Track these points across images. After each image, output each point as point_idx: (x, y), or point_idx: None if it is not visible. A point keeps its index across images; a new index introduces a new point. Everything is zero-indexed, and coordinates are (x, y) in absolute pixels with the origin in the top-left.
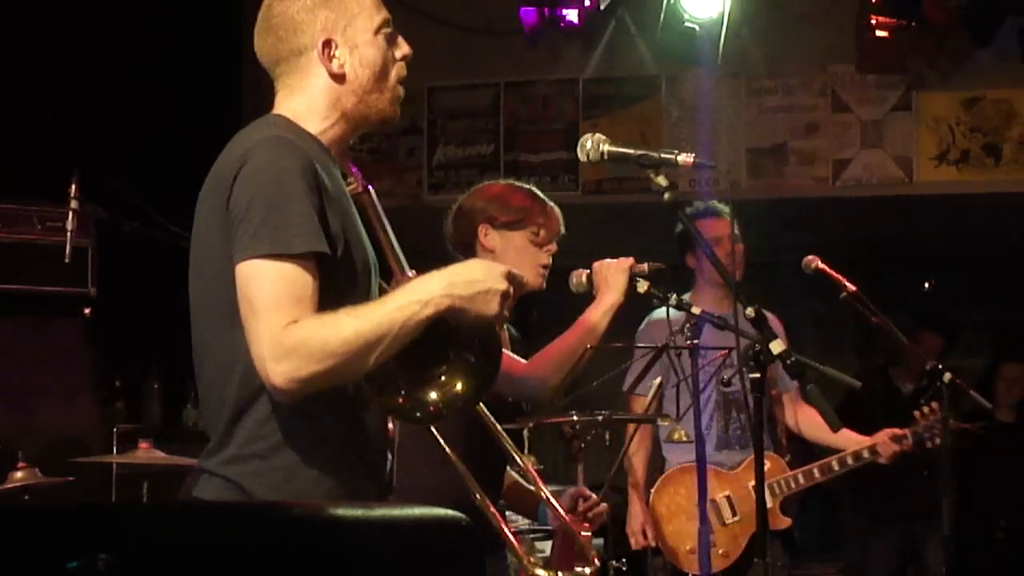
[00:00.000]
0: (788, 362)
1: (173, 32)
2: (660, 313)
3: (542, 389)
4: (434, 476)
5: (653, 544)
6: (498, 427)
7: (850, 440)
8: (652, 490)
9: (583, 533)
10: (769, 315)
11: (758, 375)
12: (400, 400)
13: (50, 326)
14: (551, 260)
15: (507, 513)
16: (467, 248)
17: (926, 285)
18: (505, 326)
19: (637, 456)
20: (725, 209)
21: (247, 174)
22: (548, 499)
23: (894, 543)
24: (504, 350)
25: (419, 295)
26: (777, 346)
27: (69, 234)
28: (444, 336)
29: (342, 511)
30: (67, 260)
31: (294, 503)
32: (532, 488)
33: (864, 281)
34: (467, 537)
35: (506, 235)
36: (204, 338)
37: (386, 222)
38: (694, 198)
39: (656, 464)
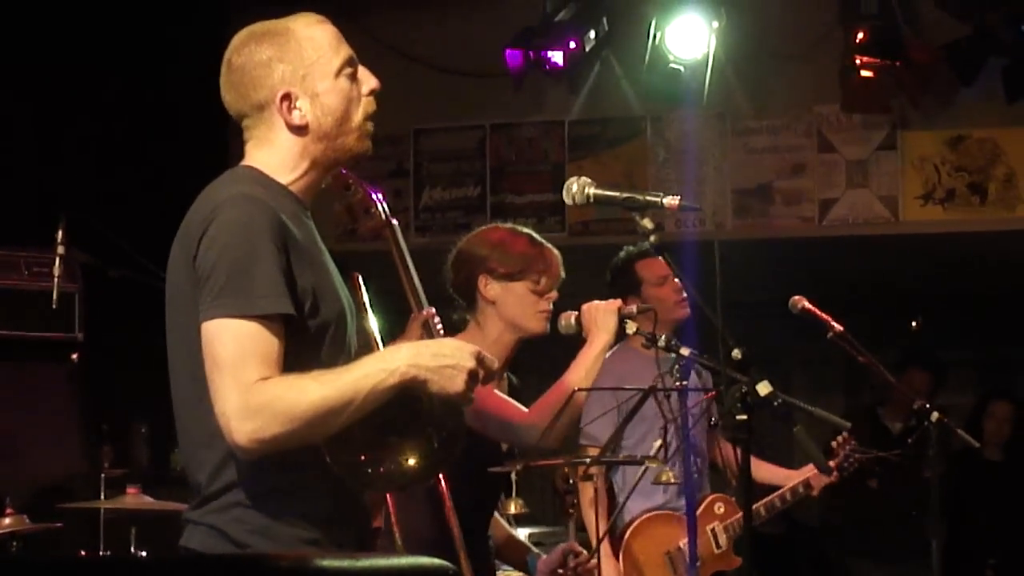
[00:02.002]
0: (776, 403)
1: (158, 77)
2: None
3: (544, 437)
4: (421, 520)
5: None
6: None
7: (780, 476)
8: (624, 544)
9: None
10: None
11: (745, 418)
12: (360, 459)
13: (37, 371)
14: (552, 306)
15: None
16: (467, 294)
17: (913, 324)
18: (506, 375)
19: (592, 512)
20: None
21: (213, 234)
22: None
23: None
24: (506, 397)
25: (386, 364)
26: (764, 388)
27: (56, 279)
28: (413, 411)
29: (329, 562)
30: (54, 306)
31: (282, 554)
32: (523, 540)
33: (851, 321)
34: None
35: (507, 286)
36: (180, 391)
37: (408, 257)
38: (679, 238)
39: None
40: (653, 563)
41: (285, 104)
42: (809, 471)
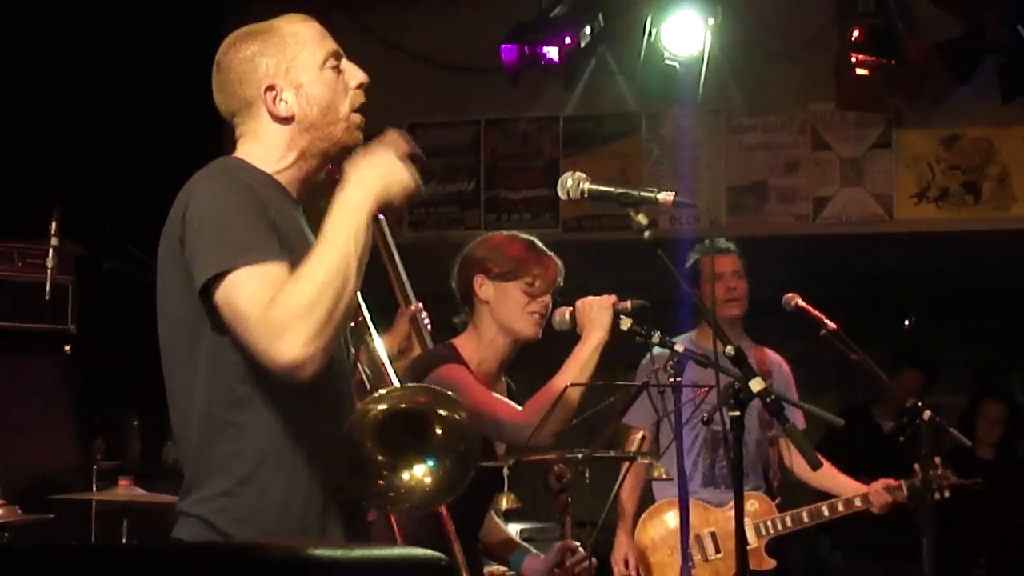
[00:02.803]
0: (768, 400)
1: (153, 70)
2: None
3: (537, 435)
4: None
5: (634, 574)
6: None
7: (843, 485)
8: (639, 521)
9: None
10: (776, 357)
11: (738, 413)
12: (379, 485)
13: (30, 363)
14: (546, 309)
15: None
16: (466, 297)
17: (907, 323)
18: (504, 379)
19: (630, 494)
20: (731, 246)
21: (192, 209)
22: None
23: None
24: (500, 396)
25: (348, 210)
26: (757, 384)
27: (49, 271)
28: (423, 435)
29: (321, 552)
30: (47, 297)
31: (273, 544)
32: (512, 537)
33: (844, 318)
34: None
35: (500, 286)
36: (172, 381)
37: (395, 253)
38: (674, 236)
39: (647, 500)
40: (669, 546)
41: (270, 95)
42: (875, 487)
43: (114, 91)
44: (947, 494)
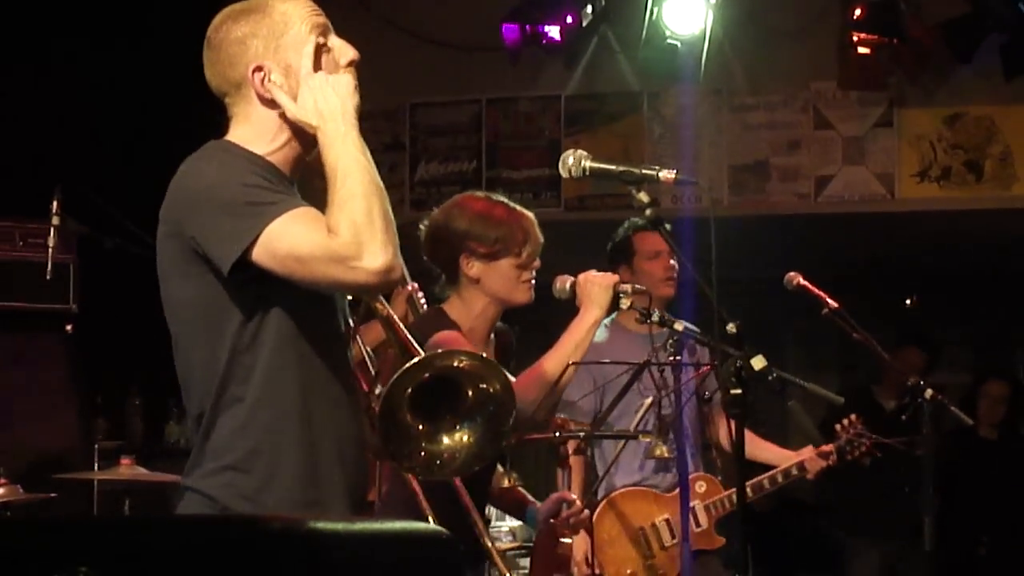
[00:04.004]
0: (770, 378)
1: (153, 48)
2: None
3: (531, 409)
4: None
5: (597, 572)
6: None
7: (778, 456)
8: (594, 517)
9: (564, 540)
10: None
11: (740, 391)
12: (421, 455)
13: (32, 342)
14: (535, 273)
15: (492, 526)
16: (449, 271)
17: (908, 302)
18: (505, 329)
19: (580, 492)
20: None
21: (191, 186)
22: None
23: (876, 560)
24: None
25: (337, 136)
26: (759, 362)
27: (50, 251)
28: (455, 400)
29: (322, 525)
30: (48, 277)
31: (274, 517)
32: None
33: (846, 298)
34: (448, 551)
35: (490, 264)
36: (180, 359)
37: None
38: (676, 215)
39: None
40: (627, 538)
41: (258, 77)
42: (806, 453)
43: (114, 69)
44: (864, 449)
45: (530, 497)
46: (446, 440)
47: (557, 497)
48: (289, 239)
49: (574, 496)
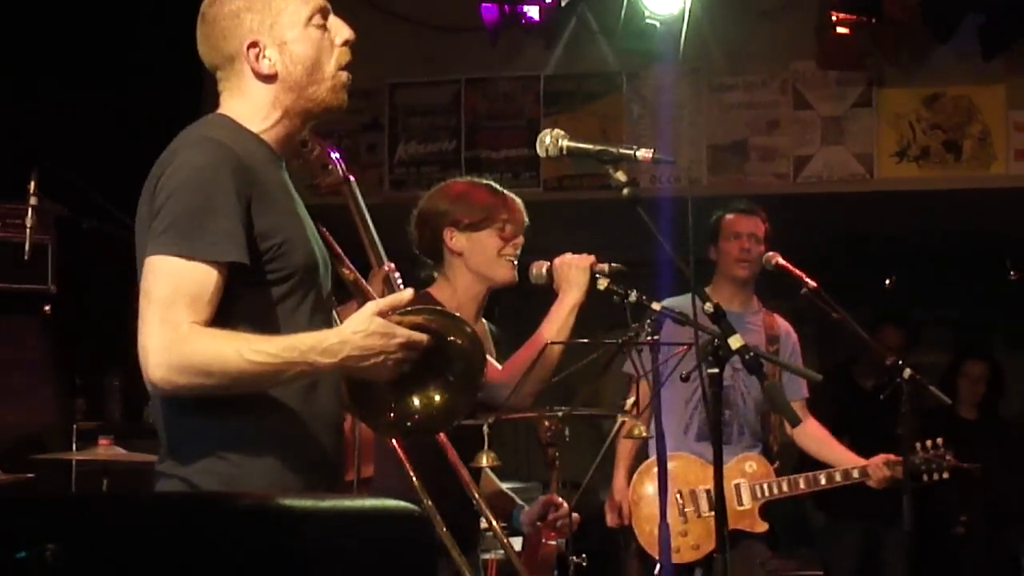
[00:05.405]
0: (747, 357)
1: (133, 28)
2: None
3: (516, 393)
4: (401, 476)
5: (626, 523)
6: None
7: (843, 457)
8: (636, 473)
9: (549, 542)
10: (785, 325)
11: (717, 371)
12: (390, 416)
13: (9, 324)
14: (519, 250)
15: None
16: (434, 251)
17: (887, 282)
18: (483, 321)
19: (627, 443)
20: (757, 209)
21: (170, 174)
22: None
23: (855, 540)
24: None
25: (312, 357)
26: (736, 341)
27: (28, 231)
28: (425, 354)
29: (291, 502)
30: (26, 257)
31: (243, 493)
32: (510, 494)
33: (824, 277)
34: (418, 528)
35: (472, 236)
36: None
37: (366, 213)
38: (654, 195)
39: (642, 454)
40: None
41: (252, 52)
42: (875, 461)
43: (94, 48)
44: (946, 475)
45: (519, 500)
46: (416, 399)
47: (545, 500)
48: (161, 278)
49: (561, 499)
